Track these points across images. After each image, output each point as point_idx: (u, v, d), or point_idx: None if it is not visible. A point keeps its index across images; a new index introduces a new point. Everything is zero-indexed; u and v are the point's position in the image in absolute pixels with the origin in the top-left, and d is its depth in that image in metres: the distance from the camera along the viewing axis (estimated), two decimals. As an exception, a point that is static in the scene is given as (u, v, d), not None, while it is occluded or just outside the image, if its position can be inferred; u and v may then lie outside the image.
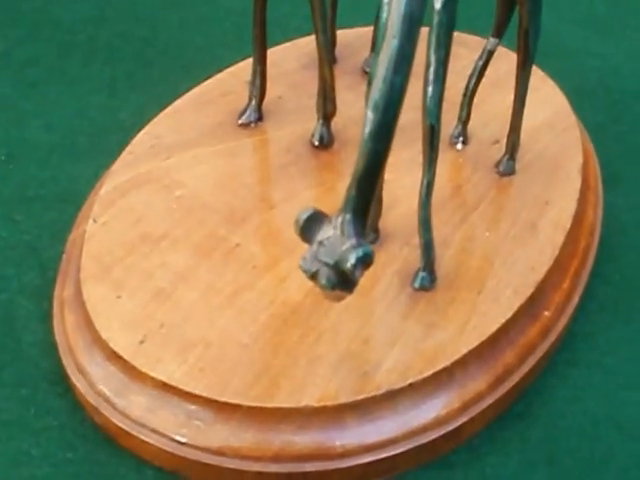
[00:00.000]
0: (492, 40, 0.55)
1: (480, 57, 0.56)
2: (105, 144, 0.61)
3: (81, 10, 0.74)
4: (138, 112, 0.63)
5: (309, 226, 0.39)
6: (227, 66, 0.63)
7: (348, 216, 0.38)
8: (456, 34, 0.46)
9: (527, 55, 0.52)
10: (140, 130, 0.57)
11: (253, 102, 0.56)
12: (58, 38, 0.71)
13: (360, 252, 0.37)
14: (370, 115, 0.37)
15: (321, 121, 0.55)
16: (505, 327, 0.48)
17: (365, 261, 0.38)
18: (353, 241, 0.38)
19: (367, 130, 0.37)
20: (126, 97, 0.66)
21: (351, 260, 0.37)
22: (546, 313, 0.50)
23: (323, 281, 0.38)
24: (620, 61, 0.72)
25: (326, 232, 0.38)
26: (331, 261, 0.38)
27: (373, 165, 0.37)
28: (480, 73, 0.56)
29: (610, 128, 0.66)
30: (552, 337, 0.50)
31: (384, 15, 0.40)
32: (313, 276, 0.39)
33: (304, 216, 0.39)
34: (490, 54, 0.55)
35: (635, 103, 0.68)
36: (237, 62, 0.62)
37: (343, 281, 0.38)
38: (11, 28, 0.72)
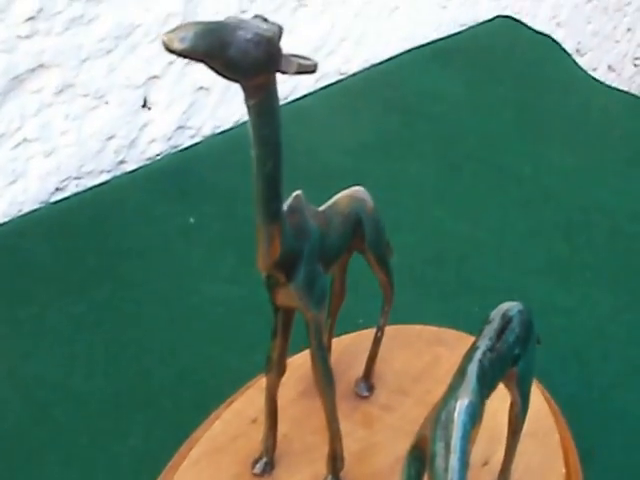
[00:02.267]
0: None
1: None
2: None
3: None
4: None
5: None
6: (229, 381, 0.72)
7: None
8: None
9: (516, 426, 0.60)
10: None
11: (265, 458, 0.67)
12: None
13: None
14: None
15: (330, 477, 0.65)
16: None
17: None
18: None
19: None
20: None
21: None
22: None
23: None
24: (584, 317, 0.84)
25: None
26: None
27: None
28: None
29: (581, 396, 0.77)
30: None
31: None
32: None
33: None
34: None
35: (604, 364, 0.79)
36: (239, 388, 0.72)
37: None
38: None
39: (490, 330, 0.53)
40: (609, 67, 1.88)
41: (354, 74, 1.24)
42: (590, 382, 0.78)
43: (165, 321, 0.82)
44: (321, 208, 0.60)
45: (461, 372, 0.50)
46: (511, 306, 0.56)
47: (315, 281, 0.56)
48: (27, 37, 0.91)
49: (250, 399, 0.70)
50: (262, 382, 0.70)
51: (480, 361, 0.51)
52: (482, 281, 0.87)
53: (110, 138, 1.03)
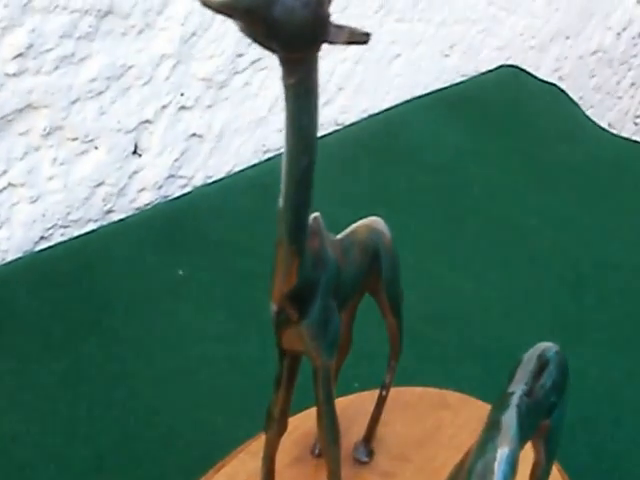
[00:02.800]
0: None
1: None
2: None
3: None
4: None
5: None
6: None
7: None
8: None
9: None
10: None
11: None
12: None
13: None
14: None
15: None
16: None
17: None
18: None
19: None
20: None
21: None
22: None
23: None
24: (595, 381, 0.81)
25: None
26: None
27: None
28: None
29: (592, 467, 0.75)
30: None
31: None
32: None
33: None
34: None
35: (616, 432, 0.77)
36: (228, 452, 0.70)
37: None
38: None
39: (525, 373, 0.50)
40: (609, 124, 1.88)
41: (351, 124, 1.23)
42: (601, 451, 0.76)
43: (151, 380, 0.80)
44: (338, 237, 0.57)
45: (493, 422, 0.47)
46: (547, 347, 0.52)
47: (329, 320, 0.52)
48: (15, 75, 0.89)
49: (242, 462, 0.68)
50: (253, 446, 0.68)
51: (518, 406, 0.47)
52: (486, 341, 0.86)
53: (98, 185, 1.01)
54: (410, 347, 0.78)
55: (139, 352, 0.83)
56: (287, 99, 0.44)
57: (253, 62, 1.09)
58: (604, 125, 1.56)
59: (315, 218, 0.52)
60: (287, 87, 0.44)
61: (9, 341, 0.84)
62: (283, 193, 0.47)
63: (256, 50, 1.09)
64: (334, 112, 1.23)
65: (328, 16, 0.42)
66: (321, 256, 0.52)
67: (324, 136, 1.19)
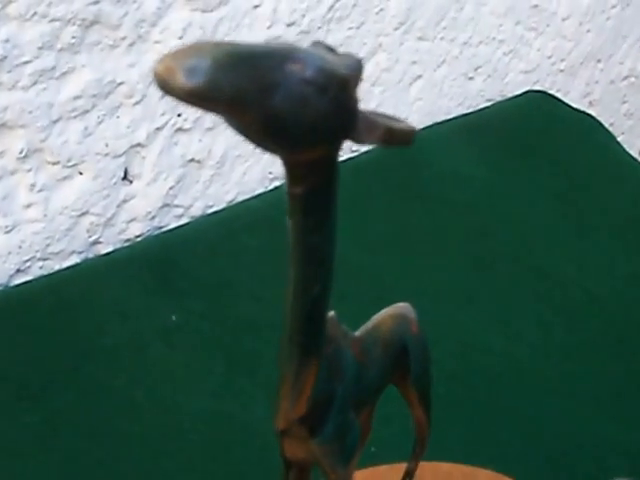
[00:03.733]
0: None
1: None
2: None
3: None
4: None
5: None
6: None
7: None
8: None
9: None
10: None
11: None
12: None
13: None
14: None
15: None
16: None
17: None
18: None
19: None
20: None
21: None
22: None
23: None
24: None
25: None
26: None
27: None
28: None
29: None
30: None
31: None
32: None
33: None
34: None
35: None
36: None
37: None
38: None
39: None
40: (640, 152, 1.87)
41: (367, 151, 1.20)
42: None
43: (136, 439, 0.77)
44: (358, 333, 0.50)
45: None
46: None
47: (347, 434, 0.46)
48: (-14, 90, 0.87)
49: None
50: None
51: None
52: (520, 407, 0.81)
53: (83, 214, 0.99)
54: (434, 411, 0.75)
55: (124, 406, 0.81)
56: (292, 211, 0.36)
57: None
58: (634, 153, 1.55)
59: (331, 319, 0.44)
60: (293, 197, 0.36)
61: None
62: (287, 327, 0.40)
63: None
64: (348, 138, 1.20)
65: (356, 103, 0.33)
66: (338, 365, 0.45)
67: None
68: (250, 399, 0.81)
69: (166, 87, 0.28)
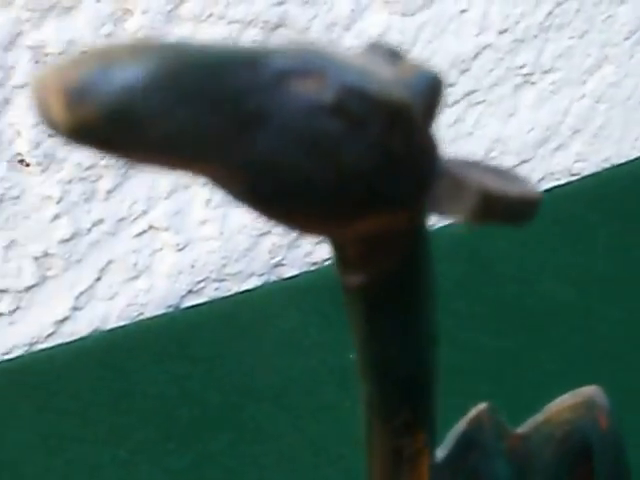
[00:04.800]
0: None
1: None
2: None
3: None
4: None
5: None
6: None
7: None
8: None
9: None
10: None
11: None
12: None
13: None
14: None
15: None
16: None
17: None
18: None
19: None
20: None
21: None
22: None
23: None
24: None
25: None
26: None
27: None
28: None
29: None
30: None
31: None
32: None
33: None
34: None
35: None
36: None
37: None
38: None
39: None
40: None
41: (589, 175, 1.11)
42: None
43: None
44: (521, 429, 0.39)
45: None
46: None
47: None
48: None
49: None
50: None
51: None
52: None
53: (264, 234, 0.94)
54: None
55: (286, 456, 0.73)
56: (350, 310, 0.25)
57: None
58: None
59: (479, 414, 0.33)
60: (348, 289, 0.25)
61: (125, 422, 0.75)
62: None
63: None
64: (568, 160, 1.12)
65: (430, 147, 0.21)
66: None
67: (554, 188, 1.07)
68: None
69: (44, 116, 0.17)
